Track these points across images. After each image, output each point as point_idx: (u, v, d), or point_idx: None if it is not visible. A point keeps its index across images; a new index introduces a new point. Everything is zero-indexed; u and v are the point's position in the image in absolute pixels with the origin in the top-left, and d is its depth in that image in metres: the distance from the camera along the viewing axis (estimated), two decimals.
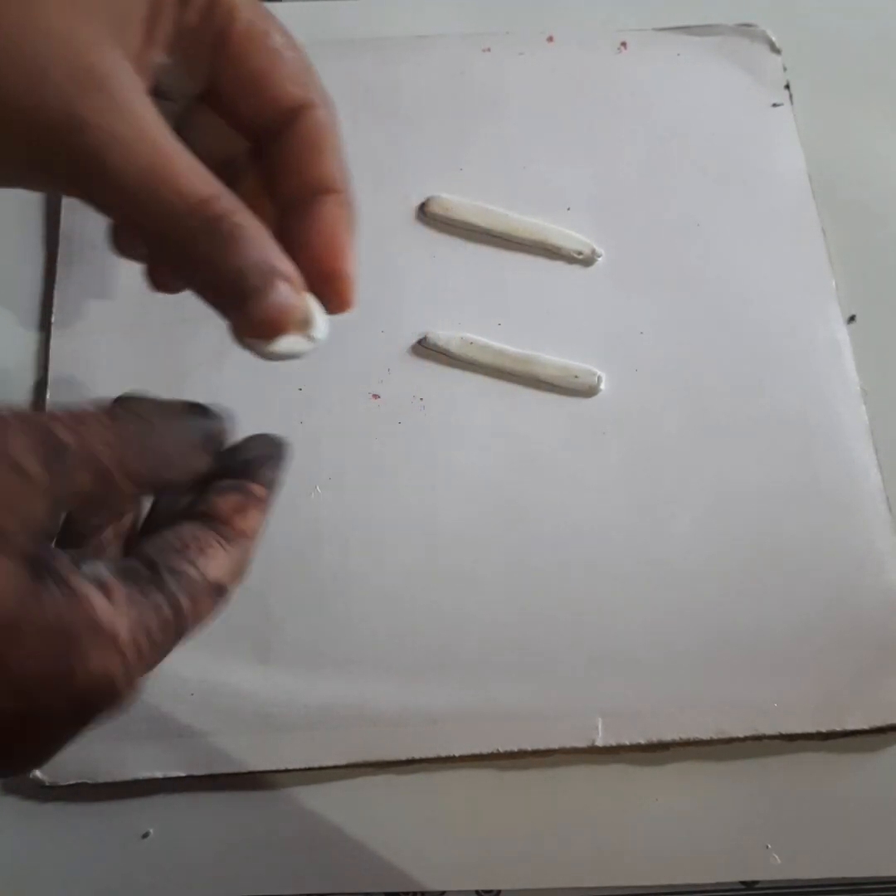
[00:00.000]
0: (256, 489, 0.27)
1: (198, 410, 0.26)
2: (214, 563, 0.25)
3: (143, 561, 0.24)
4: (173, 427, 0.25)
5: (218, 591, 0.25)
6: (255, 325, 0.26)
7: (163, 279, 0.30)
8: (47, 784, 0.36)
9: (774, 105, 0.49)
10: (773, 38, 0.50)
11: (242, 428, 0.43)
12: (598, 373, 0.43)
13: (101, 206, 0.26)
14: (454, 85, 0.50)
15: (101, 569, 0.23)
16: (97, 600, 0.22)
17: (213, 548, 0.25)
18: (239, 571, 0.26)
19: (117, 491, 0.24)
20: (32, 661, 0.21)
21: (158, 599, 0.23)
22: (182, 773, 0.37)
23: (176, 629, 0.24)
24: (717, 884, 0.36)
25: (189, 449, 0.26)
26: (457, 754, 0.37)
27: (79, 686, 0.22)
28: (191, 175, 0.25)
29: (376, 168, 0.48)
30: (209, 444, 0.26)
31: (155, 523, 0.28)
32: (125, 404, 0.26)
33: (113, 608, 0.22)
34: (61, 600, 0.21)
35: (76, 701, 0.22)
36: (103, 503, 0.26)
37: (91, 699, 0.22)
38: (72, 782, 0.36)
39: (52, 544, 0.25)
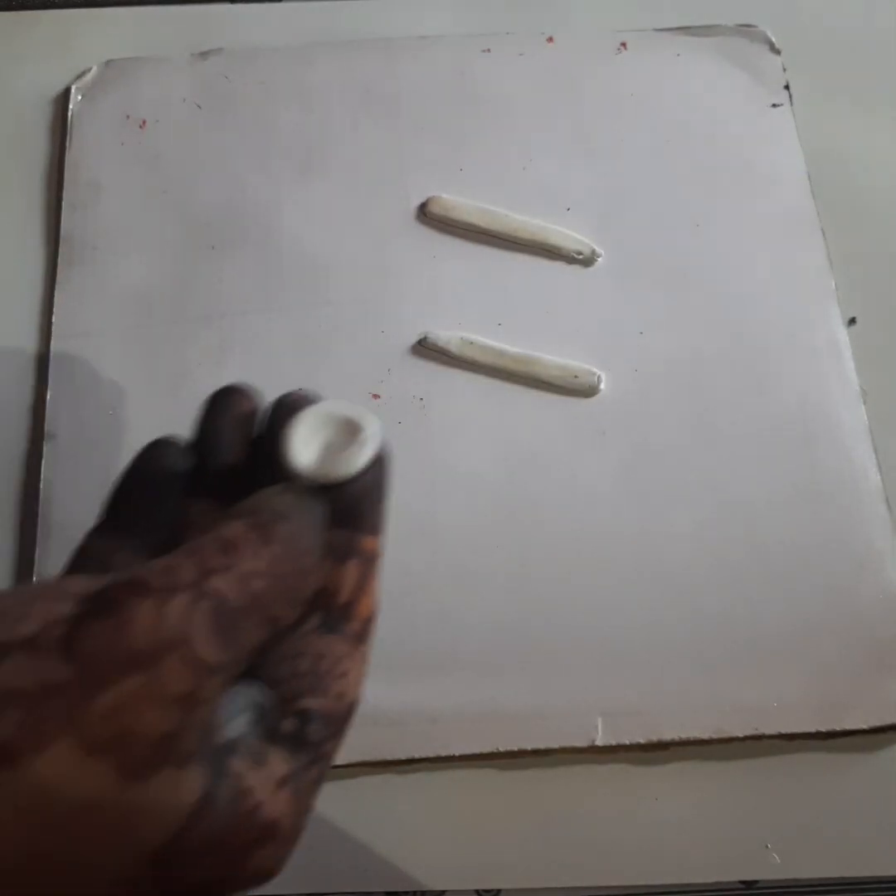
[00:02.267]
0: (367, 543, 0.23)
1: (322, 490, 0.22)
2: (352, 679, 0.21)
3: (283, 698, 0.20)
4: (307, 519, 0.21)
5: (353, 709, 0.21)
6: None
7: None
8: None
9: (774, 105, 0.49)
10: (773, 39, 0.51)
11: None
12: (598, 373, 0.43)
13: None
14: (454, 85, 0.50)
15: (252, 741, 0.19)
16: (261, 795, 0.19)
17: (348, 660, 0.21)
18: (368, 663, 0.22)
19: (286, 624, 0.20)
20: (198, 872, 0.19)
21: (308, 758, 0.20)
22: None
23: (321, 777, 0.21)
24: (717, 884, 0.36)
25: (318, 533, 0.21)
26: (457, 754, 0.37)
27: (240, 883, 0.20)
28: None
29: (376, 168, 0.48)
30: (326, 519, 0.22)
31: None
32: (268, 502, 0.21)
33: (275, 799, 0.19)
34: (229, 809, 0.19)
35: (237, 891, 0.20)
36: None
37: (250, 886, 0.20)
38: None
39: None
